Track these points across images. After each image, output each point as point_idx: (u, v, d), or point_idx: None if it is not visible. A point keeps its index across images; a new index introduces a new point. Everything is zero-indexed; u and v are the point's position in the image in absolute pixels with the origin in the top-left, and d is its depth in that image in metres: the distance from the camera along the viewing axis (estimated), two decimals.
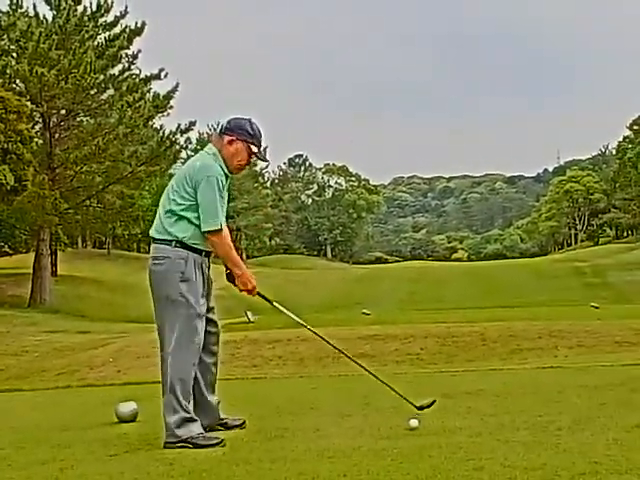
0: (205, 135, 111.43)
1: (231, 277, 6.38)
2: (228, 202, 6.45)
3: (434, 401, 6.32)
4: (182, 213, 6.15)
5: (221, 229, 6.15)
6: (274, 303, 6.59)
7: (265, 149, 6.90)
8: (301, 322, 6.72)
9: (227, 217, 6.40)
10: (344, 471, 4.79)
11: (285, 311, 6.58)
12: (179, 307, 6.06)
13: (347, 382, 10.75)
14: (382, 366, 16.25)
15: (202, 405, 6.35)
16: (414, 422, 6.10)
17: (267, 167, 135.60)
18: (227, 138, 6.32)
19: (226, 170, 6.29)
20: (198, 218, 6.13)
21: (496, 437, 5.62)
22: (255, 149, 6.39)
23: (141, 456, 5.67)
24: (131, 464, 5.38)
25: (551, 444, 5.29)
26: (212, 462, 5.29)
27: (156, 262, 6.17)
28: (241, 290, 6.40)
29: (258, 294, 6.45)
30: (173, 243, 6.14)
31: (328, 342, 7.03)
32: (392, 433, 6.00)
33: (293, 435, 6.14)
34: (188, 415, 6.01)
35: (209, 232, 6.12)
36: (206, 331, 6.33)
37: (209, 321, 6.41)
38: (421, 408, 6.25)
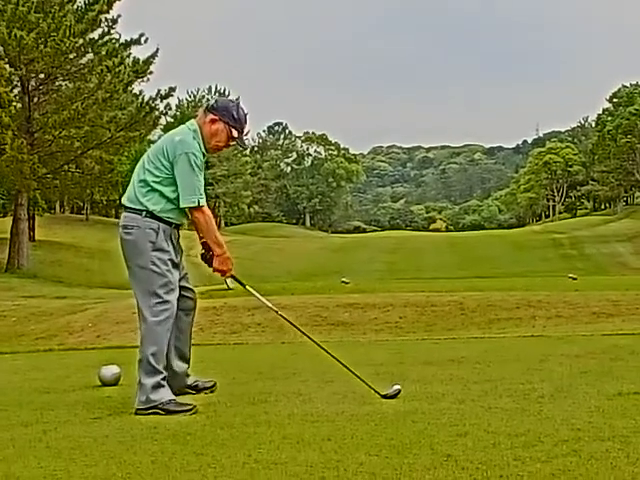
0: (185, 101, 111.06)
1: (205, 257, 6.38)
2: (206, 170, 6.43)
3: (399, 391, 6.33)
4: (156, 186, 6.14)
5: (200, 205, 6.11)
6: (247, 287, 6.56)
7: (247, 134, 6.85)
8: (270, 306, 6.70)
9: (205, 185, 6.38)
10: (328, 435, 4.83)
11: (256, 294, 6.56)
12: (151, 276, 6.07)
13: (328, 349, 10.76)
14: (362, 334, 16.31)
15: (171, 370, 6.36)
16: (397, 388, 6.12)
17: (247, 134, 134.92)
18: (210, 116, 6.28)
19: (204, 148, 6.26)
20: (172, 192, 6.12)
21: (479, 404, 5.67)
22: (236, 134, 6.34)
23: (125, 419, 5.68)
24: (115, 427, 5.39)
25: (534, 411, 5.34)
26: (196, 425, 5.31)
27: (126, 231, 6.16)
28: (215, 270, 6.36)
29: (232, 277, 6.44)
30: (144, 213, 6.13)
31: (299, 329, 7.01)
32: (375, 399, 6.02)
33: (276, 400, 6.16)
34: (162, 380, 6.03)
35: (190, 209, 6.12)
36: (182, 298, 6.37)
37: (184, 289, 6.44)
38: (385, 397, 6.26)
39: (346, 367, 6.51)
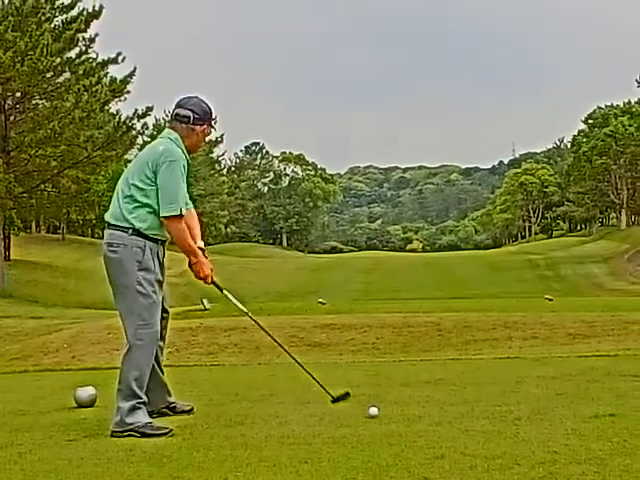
0: (162, 120, 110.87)
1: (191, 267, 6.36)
2: (188, 187, 6.44)
3: (348, 393, 6.37)
4: (143, 199, 6.07)
5: (180, 215, 6.07)
6: (224, 291, 6.52)
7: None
8: (245, 311, 6.68)
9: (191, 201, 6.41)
10: (305, 458, 4.82)
11: (233, 300, 6.52)
12: (137, 296, 6.02)
13: (304, 371, 10.76)
14: (338, 355, 16.28)
15: (159, 384, 6.34)
16: (374, 410, 6.12)
17: (224, 154, 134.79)
18: (199, 128, 6.33)
19: (186, 155, 6.24)
20: (158, 205, 6.07)
21: (456, 426, 5.67)
22: (213, 125, 6.52)
23: (100, 441, 5.65)
24: (90, 449, 5.36)
25: (510, 433, 5.35)
26: (172, 448, 5.29)
27: (111, 249, 6.08)
28: (197, 277, 6.35)
29: (213, 282, 6.40)
30: (130, 231, 6.06)
31: (268, 333, 7.00)
32: (352, 421, 6.02)
33: (253, 422, 6.14)
34: (140, 403, 5.98)
35: (166, 217, 6.05)
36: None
37: (165, 303, 6.44)
38: (336, 400, 6.28)
39: (303, 368, 6.58)
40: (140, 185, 6.08)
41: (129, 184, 6.14)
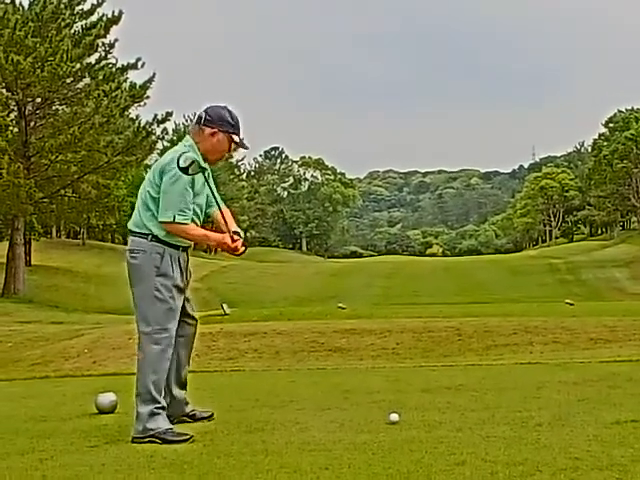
0: (182, 126, 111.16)
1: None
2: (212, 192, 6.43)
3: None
4: (156, 207, 6.11)
5: (172, 222, 6.02)
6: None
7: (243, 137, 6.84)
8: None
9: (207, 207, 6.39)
10: (325, 464, 4.80)
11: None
12: (154, 301, 6.03)
13: (325, 376, 10.76)
14: (358, 360, 16.27)
15: (170, 396, 6.34)
16: (394, 416, 6.10)
17: (243, 159, 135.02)
18: (208, 130, 6.24)
19: (202, 162, 6.20)
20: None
21: (477, 432, 5.64)
22: (237, 139, 6.33)
23: (122, 447, 5.64)
24: (112, 455, 5.36)
25: (531, 440, 5.32)
26: (193, 454, 5.28)
27: (132, 255, 6.12)
28: (230, 252, 6.37)
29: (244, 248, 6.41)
30: (149, 237, 6.09)
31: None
32: (372, 427, 6.00)
33: (273, 428, 6.13)
34: (159, 409, 5.98)
35: (162, 222, 6.05)
36: (182, 324, 6.35)
37: (186, 315, 6.41)
38: None
39: None
40: (152, 193, 6.12)
41: (146, 191, 6.18)
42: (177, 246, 6.16)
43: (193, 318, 6.53)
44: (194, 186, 6.14)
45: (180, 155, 6.04)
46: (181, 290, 6.23)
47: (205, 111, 6.35)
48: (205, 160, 6.28)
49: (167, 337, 6.05)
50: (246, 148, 6.78)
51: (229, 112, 6.36)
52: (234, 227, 6.38)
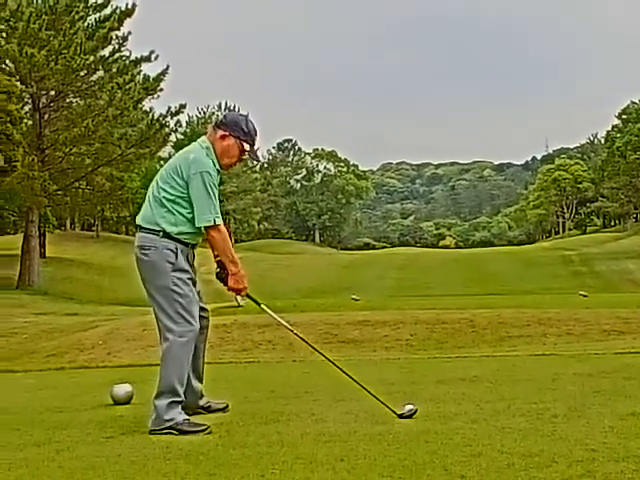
0: (195, 118, 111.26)
1: (220, 276, 6.32)
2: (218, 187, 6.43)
3: (415, 411, 6.21)
4: (171, 205, 6.11)
5: (216, 225, 6.08)
6: (262, 305, 6.50)
7: (257, 149, 6.77)
8: (285, 324, 6.65)
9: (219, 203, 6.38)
10: (341, 455, 4.81)
11: (271, 313, 6.50)
12: (174, 295, 6.05)
13: (342, 367, 10.75)
14: (372, 352, 16.26)
15: (189, 388, 6.35)
16: (409, 408, 6.10)
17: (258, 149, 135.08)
18: (220, 132, 6.25)
19: (217, 165, 6.23)
20: (188, 212, 6.10)
21: (492, 423, 5.64)
22: (247, 147, 6.31)
23: (137, 438, 5.67)
24: (127, 446, 5.38)
25: (547, 431, 5.31)
26: (209, 445, 5.29)
27: (143, 252, 6.12)
28: (230, 289, 6.32)
29: (247, 296, 6.39)
30: (160, 234, 6.10)
31: (314, 348, 6.95)
32: (387, 418, 6.00)
33: (289, 419, 6.15)
34: (178, 402, 6.00)
35: (206, 228, 6.09)
36: (200, 315, 6.36)
37: (202, 302, 6.44)
38: (401, 417, 6.15)
39: (362, 386, 6.47)
40: (170, 190, 6.12)
41: (159, 187, 6.18)
42: (187, 243, 6.18)
43: (205, 310, 6.53)
44: (217, 187, 6.18)
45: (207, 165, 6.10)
46: (195, 283, 6.26)
47: (224, 115, 6.38)
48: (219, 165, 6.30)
49: (192, 330, 6.08)
50: (257, 160, 6.77)
51: (246, 119, 6.38)
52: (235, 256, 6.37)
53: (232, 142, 6.24)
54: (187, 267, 6.16)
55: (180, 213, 6.11)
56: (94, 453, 5.16)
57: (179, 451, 5.16)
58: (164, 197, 6.13)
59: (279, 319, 6.61)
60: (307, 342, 6.96)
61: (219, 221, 6.12)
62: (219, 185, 6.38)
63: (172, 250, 6.08)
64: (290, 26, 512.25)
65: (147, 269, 6.14)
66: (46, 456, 5.11)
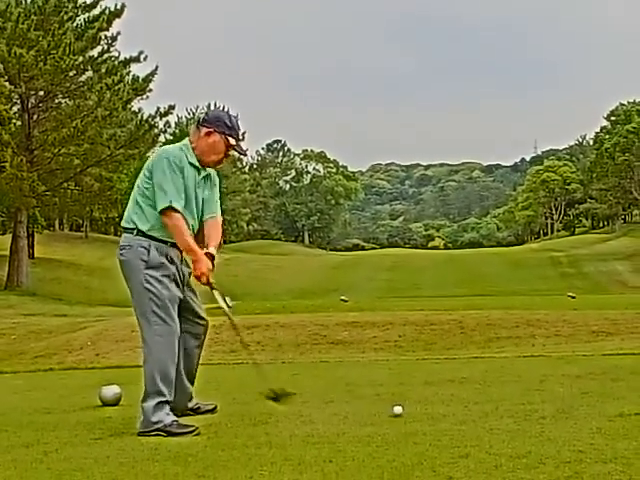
0: (184, 119, 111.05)
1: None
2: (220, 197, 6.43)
3: (288, 393, 6.28)
4: (142, 200, 6.14)
5: (170, 207, 6.02)
6: (214, 291, 6.36)
7: (243, 134, 6.75)
8: (227, 311, 6.51)
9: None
10: (330, 457, 4.81)
11: (219, 299, 6.36)
12: (147, 295, 6.03)
13: (328, 369, 10.79)
14: (361, 353, 16.29)
15: (180, 390, 6.34)
16: (398, 409, 6.11)
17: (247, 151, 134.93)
18: (204, 130, 6.27)
19: (196, 162, 6.23)
20: (152, 205, 6.12)
21: (480, 425, 5.66)
22: (233, 141, 6.30)
23: (126, 440, 5.66)
24: (116, 448, 5.37)
25: (535, 432, 5.33)
26: (197, 447, 5.29)
27: (121, 252, 6.16)
28: (194, 276, 6.24)
29: (207, 283, 6.22)
30: (135, 232, 6.12)
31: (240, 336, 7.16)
32: (376, 420, 6.02)
33: (277, 421, 6.15)
34: (164, 402, 5.98)
35: (160, 211, 6.05)
36: (193, 323, 6.40)
37: (195, 313, 6.44)
38: (275, 398, 6.19)
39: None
40: (141, 185, 6.18)
41: (137, 187, 6.24)
42: (165, 241, 6.14)
43: (203, 319, 6.52)
44: (185, 176, 6.15)
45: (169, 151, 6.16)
46: (176, 281, 6.20)
47: (205, 113, 6.40)
48: (201, 162, 6.28)
49: (167, 327, 6.04)
50: (244, 154, 6.78)
51: (228, 115, 6.42)
52: (212, 248, 6.32)
53: (217, 138, 6.26)
54: (162, 264, 6.09)
55: (151, 206, 6.11)
56: (82, 455, 5.15)
57: (168, 453, 5.15)
58: (137, 193, 6.18)
59: (224, 306, 6.43)
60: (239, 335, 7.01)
61: (177, 205, 6.04)
62: (219, 184, 6.41)
63: (145, 247, 6.07)
64: (282, 26, 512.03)
65: (124, 269, 6.17)
66: (34, 457, 5.10)
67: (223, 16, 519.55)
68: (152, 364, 6.00)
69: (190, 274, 6.32)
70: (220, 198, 6.63)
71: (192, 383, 6.57)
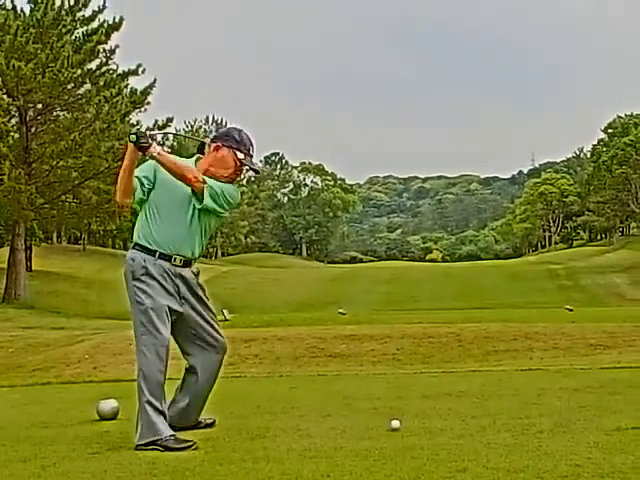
0: (182, 131, 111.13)
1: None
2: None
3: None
4: (140, 211, 6.24)
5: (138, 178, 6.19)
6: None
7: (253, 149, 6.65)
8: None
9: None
10: (327, 471, 4.80)
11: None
12: (135, 305, 6.05)
13: (325, 382, 10.78)
14: (358, 366, 16.28)
15: (178, 407, 6.36)
16: (395, 423, 6.11)
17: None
18: (213, 145, 6.27)
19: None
20: (148, 213, 6.15)
21: (478, 439, 5.65)
22: (241, 155, 6.24)
23: (123, 454, 5.65)
24: (113, 462, 5.36)
25: (533, 446, 5.33)
26: (195, 461, 5.28)
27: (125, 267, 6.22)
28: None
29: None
30: (132, 244, 6.21)
31: None
32: (373, 434, 6.02)
33: (275, 435, 6.14)
34: (159, 414, 5.94)
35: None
36: (200, 348, 6.39)
37: (200, 338, 6.39)
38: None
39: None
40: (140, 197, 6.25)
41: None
42: (153, 251, 6.09)
43: (211, 345, 6.47)
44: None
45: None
46: (168, 292, 6.12)
47: (218, 130, 6.43)
48: (215, 179, 6.18)
49: (153, 340, 5.97)
50: (256, 171, 6.78)
51: (238, 131, 6.39)
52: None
53: (226, 152, 6.22)
54: (147, 275, 6.05)
55: (142, 216, 6.19)
56: (80, 469, 5.14)
57: (165, 467, 5.14)
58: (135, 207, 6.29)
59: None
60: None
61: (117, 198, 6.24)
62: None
63: (133, 259, 6.10)
64: (280, 38, 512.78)
65: (124, 282, 6.21)
66: (32, 472, 5.09)
67: (223, 21, 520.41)
68: (140, 376, 5.99)
69: (191, 290, 6.30)
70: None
71: (197, 414, 6.55)
